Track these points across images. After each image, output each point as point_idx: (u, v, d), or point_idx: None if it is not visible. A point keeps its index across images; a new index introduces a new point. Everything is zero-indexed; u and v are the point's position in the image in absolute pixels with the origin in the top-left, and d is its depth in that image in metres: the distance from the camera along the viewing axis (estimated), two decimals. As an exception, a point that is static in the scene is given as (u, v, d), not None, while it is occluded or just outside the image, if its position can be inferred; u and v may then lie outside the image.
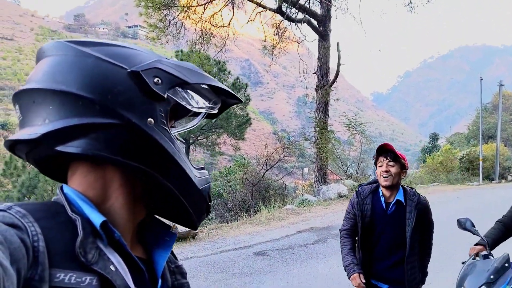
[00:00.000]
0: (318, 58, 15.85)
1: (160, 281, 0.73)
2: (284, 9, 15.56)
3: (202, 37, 15.48)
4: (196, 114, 0.83)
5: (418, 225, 2.64)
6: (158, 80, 0.68)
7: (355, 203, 2.69)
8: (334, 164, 17.04)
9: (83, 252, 0.59)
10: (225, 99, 0.82)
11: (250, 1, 15.12)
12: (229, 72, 26.22)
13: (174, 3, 14.53)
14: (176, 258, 0.84)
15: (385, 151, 2.61)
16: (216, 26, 15.81)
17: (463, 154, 25.27)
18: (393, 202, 2.64)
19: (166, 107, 0.70)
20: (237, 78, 27.86)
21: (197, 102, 0.76)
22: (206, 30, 15.53)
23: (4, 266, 0.47)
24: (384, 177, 2.58)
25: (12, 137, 0.66)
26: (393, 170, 2.57)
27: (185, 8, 14.51)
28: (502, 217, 2.93)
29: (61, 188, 0.69)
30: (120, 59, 0.67)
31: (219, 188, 13.85)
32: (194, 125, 0.86)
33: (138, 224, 0.75)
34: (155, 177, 0.68)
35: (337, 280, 5.41)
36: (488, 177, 23.81)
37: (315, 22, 15.92)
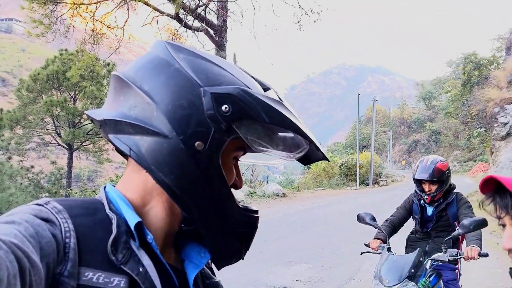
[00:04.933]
0: (215, 68, 16.04)
1: None
2: (181, 16, 15.46)
3: (92, 37, 14.53)
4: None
5: None
6: (226, 108, 0.64)
7: None
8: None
9: (115, 251, 0.58)
10: (313, 151, 0.74)
11: (146, 5, 14.68)
12: (120, 76, 24.89)
13: (63, -1, 13.41)
14: (214, 274, 0.82)
15: None
16: (109, 27, 14.99)
17: (342, 162, 27.79)
18: None
19: (224, 137, 0.65)
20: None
21: (269, 144, 0.71)
22: (97, 30, 14.63)
23: (32, 259, 0.48)
24: None
25: (88, 111, 0.70)
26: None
27: (75, 6, 13.49)
28: (390, 216, 3.43)
29: (104, 187, 0.69)
30: (200, 75, 0.66)
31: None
32: (274, 164, 0.81)
33: (176, 235, 0.74)
34: (181, 199, 0.66)
35: (242, 282, 5.56)
36: (364, 182, 26.57)
37: (212, 32, 16.12)
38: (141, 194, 0.68)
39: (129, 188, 0.68)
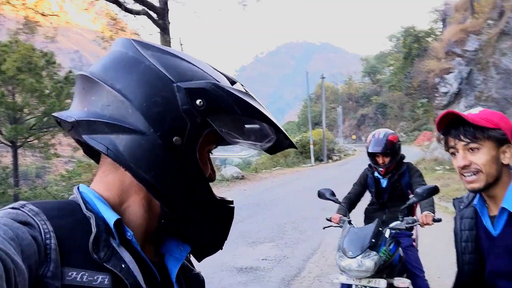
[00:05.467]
0: (161, 52, 15.63)
1: (176, 286, 0.73)
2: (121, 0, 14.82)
3: (26, 26, 13.62)
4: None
5: None
6: (200, 102, 0.65)
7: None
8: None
9: (96, 249, 0.59)
10: (282, 141, 0.77)
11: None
12: (58, 65, 23.61)
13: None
14: (193, 266, 0.83)
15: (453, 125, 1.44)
16: (43, 14, 14.09)
17: (296, 140, 28.35)
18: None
19: (200, 130, 0.67)
20: (70, 72, 25.30)
21: (241, 135, 0.73)
22: (31, 18, 13.72)
23: (15, 261, 0.48)
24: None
25: (56, 113, 0.68)
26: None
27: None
28: (348, 193, 3.58)
29: (78, 188, 0.69)
30: (171, 71, 0.66)
31: (63, 193, 12.58)
32: (245, 156, 0.83)
33: (155, 231, 0.74)
34: (162, 195, 0.67)
35: (208, 266, 5.59)
36: (318, 158, 27.31)
37: (154, 15, 15.62)
38: (118, 192, 0.68)
39: (105, 187, 0.69)
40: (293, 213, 9.30)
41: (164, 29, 15.48)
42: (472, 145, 1.36)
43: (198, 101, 0.65)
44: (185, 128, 0.65)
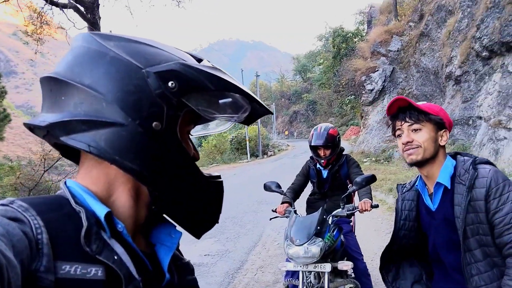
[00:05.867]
0: (91, 47, 14.86)
1: (167, 275, 0.73)
2: (45, -9, 13.83)
3: None
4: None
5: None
6: (172, 84, 0.65)
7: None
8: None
9: (88, 242, 0.59)
10: (257, 108, 0.78)
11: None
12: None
13: None
14: (182, 255, 0.83)
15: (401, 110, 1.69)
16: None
17: (233, 137, 28.47)
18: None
19: (177, 112, 0.67)
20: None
21: (217, 110, 0.73)
22: None
23: (7, 256, 0.48)
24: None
25: (27, 120, 0.65)
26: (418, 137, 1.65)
27: None
28: (291, 184, 3.72)
29: (65, 182, 0.67)
30: (138, 57, 0.65)
31: (-18, 200, 11.43)
32: (222, 130, 0.84)
33: (145, 220, 0.74)
34: (153, 181, 0.67)
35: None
36: (254, 154, 27.68)
37: (82, 9, 14.79)
38: (104, 185, 0.68)
39: (91, 181, 0.68)
40: (232, 208, 9.37)
41: (94, 24, 14.70)
42: (415, 126, 1.61)
43: (170, 83, 0.65)
44: (162, 112, 0.65)
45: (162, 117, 0.65)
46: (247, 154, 26.00)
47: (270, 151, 29.77)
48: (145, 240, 0.76)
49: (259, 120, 29.34)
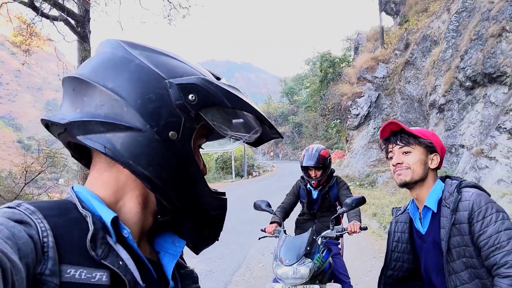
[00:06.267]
0: (79, 61, 14.81)
1: (172, 282, 0.73)
2: (37, 3, 13.80)
3: None
4: (236, 139, 0.80)
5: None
6: (192, 97, 0.67)
7: None
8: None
9: (94, 247, 0.59)
10: (267, 131, 0.80)
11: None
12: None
13: None
14: (185, 263, 0.83)
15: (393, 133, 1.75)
16: None
17: (218, 156, 28.36)
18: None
19: (194, 124, 0.69)
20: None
21: (231, 128, 0.75)
22: None
23: (12, 260, 0.48)
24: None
25: (46, 116, 0.66)
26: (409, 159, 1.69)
27: None
28: (281, 203, 3.71)
29: (72, 187, 0.68)
30: (162, 68, 0.67)
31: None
32: (231, 149, 0.82)
33: (150, 228, 0.74)
34: (163, 190, 0.68)
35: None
36: (239, 174, 27.56)
37: (73, 22, 14.78)
38: (113, 190, 0.68)
39: (99, 186, 0.68)
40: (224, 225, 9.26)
41: (84, 38, 14.67)
42: (406, 148, 1.68)
43: (190, 96, 0.67)
44: (180, 123, 0.67)
45: (179, 128, 0.67)
46: (232, 173, 25.88)
47: (255, 172, 29.70)
48: (150, 248, 0.76)
49: (245, 140, 29.34)
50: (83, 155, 0.75)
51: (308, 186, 3.63)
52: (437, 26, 14.16)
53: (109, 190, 0.68)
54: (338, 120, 25.87)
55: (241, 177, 27.31)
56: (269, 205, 3.20)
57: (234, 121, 0.76)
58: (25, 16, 14.71)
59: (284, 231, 3.08)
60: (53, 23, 14.61)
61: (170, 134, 0.66)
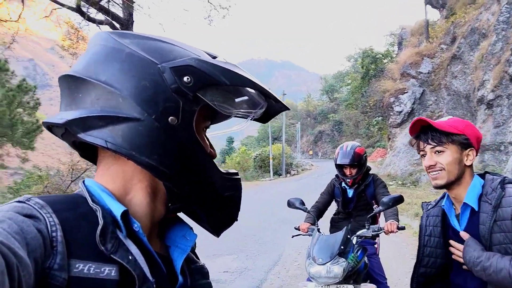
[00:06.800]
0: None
1: (180, 278, 0.73)
2: (83, 8, 14.42)
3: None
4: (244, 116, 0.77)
5: None
6: (188, 79, 0.65)
7: None
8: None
9: (103, 241, 0.58)
10: (273, 105, 0.78)
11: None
12: (12, 73, 22.47)
13: None
14: (198, 258, 0.82)
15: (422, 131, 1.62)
16: (1, 20, 13.43)
17: (256, 154, 28.51)
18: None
19: (193, 107, 0.67)
20: (24, 80, 24.16)
21: (234, 106, 0.73)
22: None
23: (19, 255, 0.47)
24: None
25: (46, 119, 0.66)
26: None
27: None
28: (315, 202, 3.63)
29: (83, 181, 0.68)
30: (153, 53, 0.66)
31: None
32: (239, 129, 0.83)
33: (160, 222, 0.74)
34: (170, 177, 0.67)
35: None
36: (277, 173, 27.56)
37: (118, 25, 15.32)
38: (121, 183, 0.68)
39: (108, 179, 0.68)
40: (253, 225, 9.29)
41: (128, 41, 15.19)
42: (438, 148, 1.54)
43: (185, 78, 0.65)
44: (178, 107, 0.66)
45: (178, 112, 0.65)
46: (270, 172, 25.89)
47: (294, 170, 29.58)
48: (160, 242, 0.75)
49: (283, 138, 29.31)
50: (91, 153, 0.75)
51: (343, 184, 3.53)
52: (486, 18, 13.43)
53: (118, 183, 0.67)
54: (380, 118, 25.20)
55: (279, 175, 27.29)
56: (302, 203, 3.14)
57: (237, 99, 0.73)
58: (73, 21, 15.42)
59: (318, 230, 3.01)
60: (99, 27, 15.22)
61: (169, 119, 0.65)
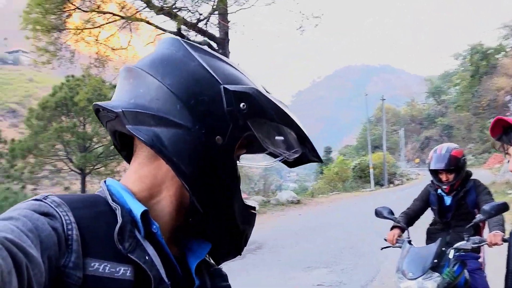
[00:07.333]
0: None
1: (197, 280, 0.73)
2: (183, 32, 15.64)
3: (97, 60, 14.76)
4: (275, 156, 0.79)
5: None
6: (244, 106, 0.68)
7: None
8: (242, 182, 17.37)
9: (121, 239, 0.59)
10: (307, 153, 0.79)
11: (148, 24, 14.90)
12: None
13: (65, 25, 13.64)
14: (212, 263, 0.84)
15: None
16: (113, 49, 15.21)
17: (355, 164, 27.61)
18: None
19: (240, 133, 0.69)
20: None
21: (274, 143, 0.74)
22: (102, 53, 14.87)
23: (30, 254, 0.47)
24: None
25: (100, 103, 0.70)
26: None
27: (78, 31, 13.72)
28: (406, 209, 3.36)
29: (104, 181, 0.70)
30: (219, 73, 0.69)
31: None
32: (267, 166, 0.84)
33: (179, 231, 0.75)
34: (199, 191, 0.68)
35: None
36: (378, 183, 26.31)
37: (214, 45, 16.26)
38: (148, 186, 0.69)
39: (135, 181, 0.69)
40: (350, 238, 8.95)
41: (224, 59, 16.02)
42: None
43: (242, 104, 0.67)
44: (227, 129, 0.67)
45: (226, 134, 0.67)
46: (370, 182, 24.80)
47: (398, 180, 27.97)
48: (177, 248, 0.75)
49: (384, 146, 27.91)
50: (125, 147, 0.78)
51: (440, 191, 3.19)
52: None
53: (145, 185, 0.68)
54: (495, 119, 22.61)
55: (381, 186, 26.00)
56: (391, 213, 2.94)
57: (277, 137, 0.75)
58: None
59: (409, 241, 2.77)
60: (197, 47, 16.34)
61: (216, 138, 0.66)
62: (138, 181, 0.69)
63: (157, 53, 0.72)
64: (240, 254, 0.80)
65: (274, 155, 0.78)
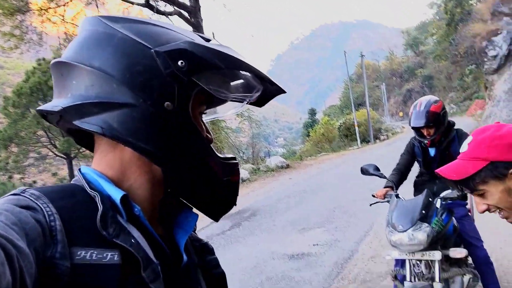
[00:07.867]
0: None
1: (185, 256, 0.73)
2: (152, 2, 15.14)
3: (67, 40, 14.29)
4: (239, 101, 0.77)
5: None
6: (182, 63, 0.65)
7: None
8: (230, 152, 17.42)
9: (104, 226, 0.59)
10: (269, 88, 0.77)
11: (115, -2, 14.37)
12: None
13: (28, 7, 13.05)
14: (199, 237, 0.84)
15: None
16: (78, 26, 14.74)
17: (340, 123, 27.81)
18: None
19: (189, 92, 0.67)
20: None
21: (230, 90, 0.73)
22: (70, 32, 14.36)
23: (18, 246, 0.47)
24: None
25: (40, 107, 0.67)
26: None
27: (43, 11, 13.16)
28: (396, 164, 3.41)
29: (79, 169, 0.69)
30: (146, 38, 0.66)
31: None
32: (234, 113, 0.83)
33: (160, 204, 0.74)
34: (168, 162, 0.67)
35: (260, 255, 5.62)
36: (365, 140, 26.64)
37: (186, 14, 15.83)
38: (120, 170, 0.68)
39: (106, 167, 0.68)
40: (341, 197, 9.13)
41: (198, 27, 15.67)
42: (477, 193, 1.29)
43: (179, 62, 0.65)
44: (173, 92, 0.65)
45: (173, 97, 0.65)
46: (357, 140, 25.11)
47: (383, 135, 28.35)
48: (161, 225, 0.76)
49: (367, 103, 28.09)
50: (87, 140, 0.76)
51: (423, 143, 3.24)
52: None
53: (116, 170, 0.67)
54: (474, 66, 22.86)
55: (368, 142, 26.35)
56: (377, 169, 2.97)
57: (232, 83, 0.73)
58: (143, 14, 16.25)
59: (396, 195, 2.83)
60: (168, 17, 15.88)
61: (165, 105, 0.64)
62: (108, 167, 0.68)
63: (80, 37, 0.69)
64: (235, 205, 0.79)
65: (238, 101, 0.77)
